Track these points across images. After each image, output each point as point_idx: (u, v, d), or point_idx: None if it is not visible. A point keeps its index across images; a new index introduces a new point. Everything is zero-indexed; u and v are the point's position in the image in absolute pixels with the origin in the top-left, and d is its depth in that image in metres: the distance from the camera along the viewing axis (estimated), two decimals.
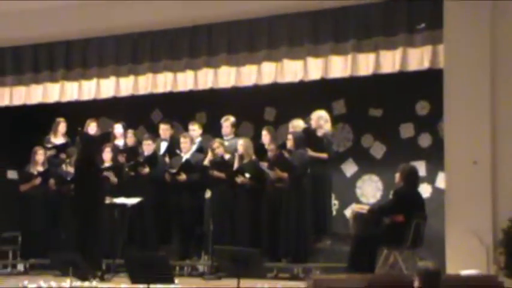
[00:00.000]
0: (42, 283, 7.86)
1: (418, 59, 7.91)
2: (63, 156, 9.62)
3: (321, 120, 8.73)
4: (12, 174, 10.34)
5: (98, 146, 9.05)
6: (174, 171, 8.99)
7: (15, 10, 9.23)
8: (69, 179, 9.19)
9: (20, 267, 9.59)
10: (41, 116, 10.26)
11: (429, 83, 8.22)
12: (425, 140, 9.33)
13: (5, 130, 10.43)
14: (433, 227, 7.77)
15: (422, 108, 9.40)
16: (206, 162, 8.92)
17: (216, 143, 8.94)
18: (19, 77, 9.82)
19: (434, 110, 8.87)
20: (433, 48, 7.83)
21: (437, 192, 8.87)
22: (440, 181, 8.77)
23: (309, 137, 8.60)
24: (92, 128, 9.57)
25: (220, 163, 8.77)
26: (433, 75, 7.86)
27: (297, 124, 8.89)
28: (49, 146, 9.77)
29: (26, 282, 7.80)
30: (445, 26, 7.62)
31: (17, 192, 9.58)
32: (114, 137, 9.73)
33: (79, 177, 8.77)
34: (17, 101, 9.87)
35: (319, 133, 8.71)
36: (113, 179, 9.25)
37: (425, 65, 7.87)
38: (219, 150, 8.87)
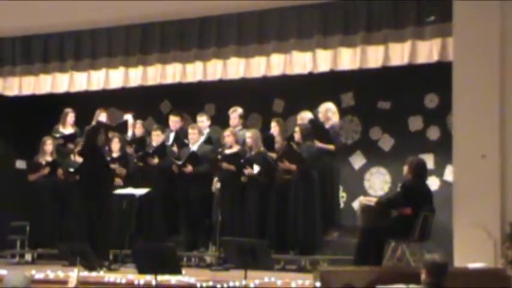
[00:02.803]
0: (49, 273, 7.89)
1: (427, 51, 7.89)
2: (71, 146, 9.65)
3: (328, 112, 8.72)
4: (20, 164, 10.38)
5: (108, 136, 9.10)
6: (180, 162, 8.99)
7: (25, 0, 9.24)
8: (72, 170, 9.21)
9: (28, 257, 9.62)
10: (50, 106, 10.28)
11: (438, 75, 8.20)
12: (433, 133, 9.31)
13: (14, 120, 10.46)
14: (441, 220, 7.76)
15: (431, 101, 9.37)
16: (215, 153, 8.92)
17: (227, 131, 8.95)
18: (28, 67, 9.84)
19: (443, 103, 8.85)
20: (442, 41, 7.80)
21: (445, 185, 8.86)
22: (449, 174, 8.76)
23: (315, 129, 8.59)
24: (101, 118, 9.59)
25: (229, 155, 8.77)
26: (442, 68, 7.83)
27: (306, 116, 8.88)
28: (57, 135, 9.80)
29: (33, 272, 7.82)
30: (454, 19, 7.59)
31: (26, 182, 9.62)
32: (125, 124, 9.75)
33: (86, 167, 8.78)
34: (26, 91, 9.90)
35: (327, 125, 8.70)
36: (121, 169, 9.27)
37: (435, 57, 7.85)
38: (229, 140, 8.87)
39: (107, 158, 9.09)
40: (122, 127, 9.56)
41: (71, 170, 9.24)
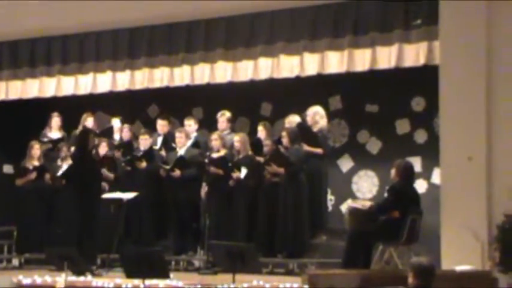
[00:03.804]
0: (37, 278, 7.86)
1: (414, 55, 7.92)
2: (58, 150, 9.62)
3: (316, 115, 8.75)
4: (8, 169, 10.34)
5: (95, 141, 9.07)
6: (168, 167, 8.98)
7: (12, 4, 9.21)
8: (59, 174, 9.17)
9: (15, 261, 9.57)
10: (37, 111, 10.25)
11: (425, 79, 8.23)
12: (421, 136, 9.35)
13: (1, 124, 10.41)
14: (429, 222, 7.78)
15: (418, 104, 9.41)
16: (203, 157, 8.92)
17: (214, 135, 8.95)
18: (15, 71, 9.80)
19: (430, 106, 8.89)
20: (428, 45, 7.83)
21: (433, 188, 8.89)
22: (436, 177, 8.79)
23: (303, 132, 8.61)
24: (88, 122, 9.58)
25: (216, 159, 8.77)
26: (429, 72, 7.87)
27: (293, 120, 8.91)
28: (45, 140, 9.77)
29: (20, 277, 7.78)
30: (440, 22, 7.63)
31: (13, 187, 9.57)
32: (112, 130, 9.75)
33: (75, 172, 8.75)
34: (13, 95, 9.85)
35: (315, 129, 8.72)
36: (108, 174, 9.25)
37: (421, 61, 7.88)
38: (216, 143, 8.87)
39: (96, 162, 9.05)
40: (108, 133, 9.54)
41: (58, 174, 9.20)
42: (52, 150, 9.79)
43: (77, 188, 8.71)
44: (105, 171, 9.20)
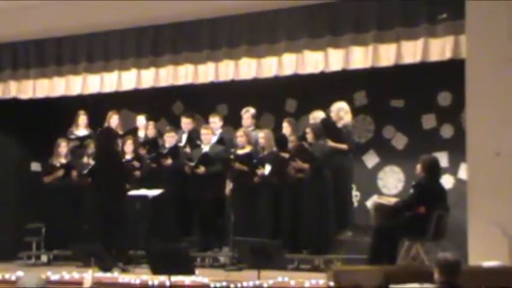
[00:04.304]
0: (65, 274, 7.94)
1: (440, 49, 7.84)
2: (85, 148, 9.71)
3: (341, 111, 8.71)
4: (35, 167, 10.46)
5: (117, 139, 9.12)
6: (192, 164, 9.01)
7: (38, 3, 9.29)
8: (85, 172, 9.25)
9: (44, 258, 9.69)
10: (64, 109, 10.34)
11: (451, 73, 8.15)
12: (447, 131, 9.28)
13: (29, 123, 10.53)
14: (456, 218, 7.72)
15: (444, 99, 9.33)
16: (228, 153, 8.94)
17: (240, 131, 8.96)
18: (42, 70, 9.89)
19: (457, 100, 8.81)
20: (455, 39, 7.75)
21: (459, 184, 8.82)
22: (463, 172, 8.71)
23: (327, 128, 8.58)
24: (114, 120, 9.65)
25: (242, 155, 8.78)
26: (455, 66, 7.78)
27: (318, 116, 8.87)
28: (72, 137, 9.87)
29: (49, 273, 7.87)
30: (467, 16, 7.54)
31: (41, 184, 9.68)
32: (136, 130, 9.82)
33: (103, 169, 8.77)
34: (41, 94, 9.94)
35: (340, 124, 8.69)
36: (135, 170, 9.30)
37: (447, 55, 7.79)
38: (242, 140, 8.87)
39: (123, 159, 9.09)
40: (132, 132, 9.61)
41: (84, 172, 9.29)
42: (79, 148, 9.88)
43: (103, 185, 8.74)
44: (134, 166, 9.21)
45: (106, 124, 9.60)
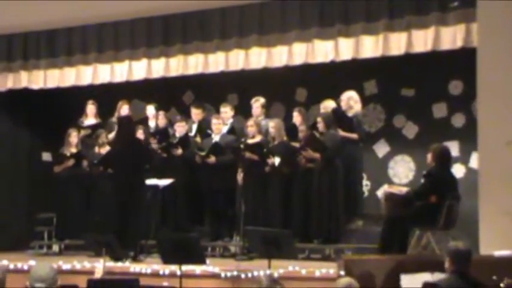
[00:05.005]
0: (76, 263, 7.98)
1: (451, 37, 7.79)
2: (96, 137, 9.73)
3: (351, 100, 8.69)
4: (46, 156, 10.48)
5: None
6: (203, 153, 9.02)
7: None
8: (96, 161, 9.27)
9: (55, 248, 9.74)
10: (75, 99, 10.36)
11: (462, 62, 8.11)
12: (458, 120, 9.24)
13: (40, 113, 10.56)
14: (467, 207, 7.70)
15: (455, 87, 9.29)
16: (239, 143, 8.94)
17: (250, 121, 8.96)
18: (53, 60, 9.91)
19: (468, 89, 8.77)
20: (466, 27, 7.70)
21: (471, 173, 8.79)
22: (474, 161, 8.68)
23: (338, 118, 8.56)
24: (124, 110, 9.67)
25: (251, 144, 8.78)
26: (467, 54, 7.74)
27: (329, 105, 8.86)
28: (84, 125, 9.90)
29: (60, 263, 7.92)
30: (478, 4, 7.48)
31: (52, 174, 9.72)
32: (147, 119, 9.83)
33: (122, 156, 8.72)
34: (51, 84, 9.96)
35: (350, 113, 8.67)
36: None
37: (458, 43, 7.75)
38: (252, 129, 8.87)
39: (145, 147, 9.08)
40: (143, 122, 9.62)
41: (95, 161, 9.30)
42: (90, 137, 9.91)
43: (121, 173, 8.70)
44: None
45: (117, 114, 9.62)
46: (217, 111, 9.58)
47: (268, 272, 6.70)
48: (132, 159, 8.54)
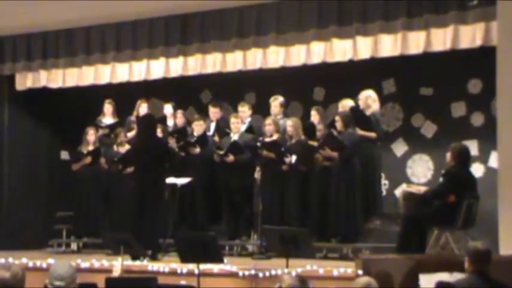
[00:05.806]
0: (94, 261, 8.02)
1: (470, 36, 7.75)
2: (115, 136, 9.78)
3: (369, 99, 8.67)
4: (65, 155, 10.57)
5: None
6: (221, 152, 9.03)
7: None
8: (116, 159, 9.31)
9: (74, 246, 9.79)
10: (93, 98, 10.42)
11: (481, 60, 8.06)
12: (477, 119, 9.18)
13: (59, 112, 10.62)
14: (486, 207, 7.64)
15: (474, 86, 9.23)
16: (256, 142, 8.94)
17: (269, 119, 8.96)
18: (72, 59, 9.96)
19: (487, 88, 8.70)
20: (485, 25, 7.65)
21: (490, 172, 8.73)
22: (493, 160, 8.62)
23: (356, 116, 8.54)
24: (142, 108, 9.71)
25: (269, 143, 8.78)
26: (486, 53, 7.69)
27: (347, 104, 8.83)
28: (102, 125, 9.95)
29: (79, 261, 7.96)
30: (498, 2, 7.43)
31: (70, 173, 9.77)
32: (165, 118, 9.87)
33: (143, 155, 8.74)
34: (70, 83, 10.03)
35: (368, 112, 8.64)
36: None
37: (478, 42, 7.70)
38: (270, 128, 8.86)
39: (165, 146, 9.09)
40: (161, 121, 9.66)
41: (115, 159, 9.34)
42: (108, 136, 9.96)
43: (142, 171, 8.71)
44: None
45: (135, 112, 9.66)
46: (235, 110, 9.59)
47: (294, 272, 6.67)
48: (153, 157, 8.54)
